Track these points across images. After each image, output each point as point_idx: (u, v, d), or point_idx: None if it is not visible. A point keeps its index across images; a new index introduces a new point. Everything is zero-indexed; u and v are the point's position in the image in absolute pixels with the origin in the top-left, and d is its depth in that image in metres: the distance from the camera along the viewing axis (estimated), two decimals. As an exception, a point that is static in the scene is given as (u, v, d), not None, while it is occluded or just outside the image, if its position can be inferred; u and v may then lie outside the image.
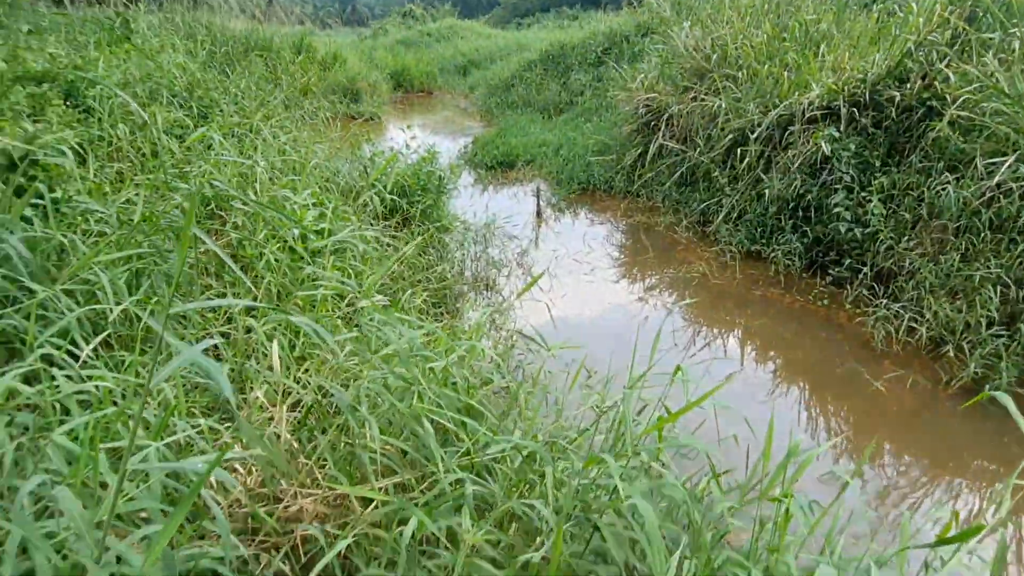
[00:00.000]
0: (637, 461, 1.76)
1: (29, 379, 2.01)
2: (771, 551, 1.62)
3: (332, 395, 1.92)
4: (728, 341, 5.24)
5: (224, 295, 2.82)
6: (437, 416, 1.86)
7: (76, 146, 3.93)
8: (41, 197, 2.89)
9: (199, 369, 2.22)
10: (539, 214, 7.55)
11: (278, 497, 1.95)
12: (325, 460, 1.86)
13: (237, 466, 1.88)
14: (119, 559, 1.28)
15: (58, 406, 1.76)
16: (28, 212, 3.01)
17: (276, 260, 3.15)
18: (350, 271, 3.05)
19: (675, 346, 5.18)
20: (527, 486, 1.92)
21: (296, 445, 1.92)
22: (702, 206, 7.00)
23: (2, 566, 1.24)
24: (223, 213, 3.92)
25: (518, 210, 7.69)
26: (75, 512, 1.07)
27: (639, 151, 8.16)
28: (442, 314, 4.23)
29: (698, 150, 7.21)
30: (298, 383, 2.36)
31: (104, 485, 1.36)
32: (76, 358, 2.12)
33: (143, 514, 1.56)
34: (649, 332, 5.15)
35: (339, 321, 2.79)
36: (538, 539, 1.72)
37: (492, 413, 2.10)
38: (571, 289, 5.70)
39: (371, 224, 4.67)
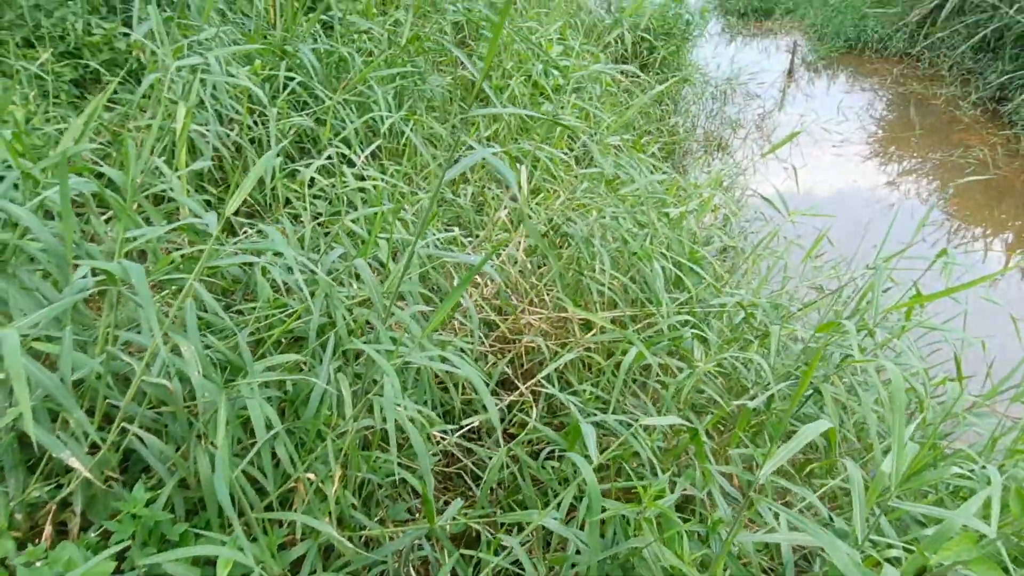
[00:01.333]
0: (872, 342, 1.69)
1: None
2: (1012, 453, 1.51)
3: (567, 225, 2.03)
4: (993, 245, 4.55)
5: (473, 125, 3.00)
6: (667, 260, 1.91)
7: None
8: (328, 10, 3.20)
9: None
10: (791, 73, 6.81)
11: (504, 310, 2.18)
12: (554, 284, 2.02)
13: (476, 277, 2.11)
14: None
15: (344, 198, 2.07)
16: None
17: (519, 93, 3.25)
18: (589, 111, 3.07)
19: (922, 240, 4.62)
20: (742, 345, 1.94)
21: (529, 266, 2.10)
22: (1003, 79, 5.83)
23: (310, 317, 1.56)
24: (471, 42, 4.05)
25: (767, 67, 6.99)
26: (370, 279, 1.31)
27: (933, 4, 6.84)
28: (668, 170, 4.14)
29: (1016, 7, 5.88)
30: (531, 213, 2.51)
31: (383, 264, 1.62)
32: (351, 163, 2.44)
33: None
34: (889, 222, 4.63)
35: (573, 159, 2.87)
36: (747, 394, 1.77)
37: (717, 268, 2.10)
38: (812, 160, 5.21)
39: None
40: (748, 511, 1.07)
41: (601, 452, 1.30)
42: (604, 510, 1.11)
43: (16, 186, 1.78)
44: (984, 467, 1.39)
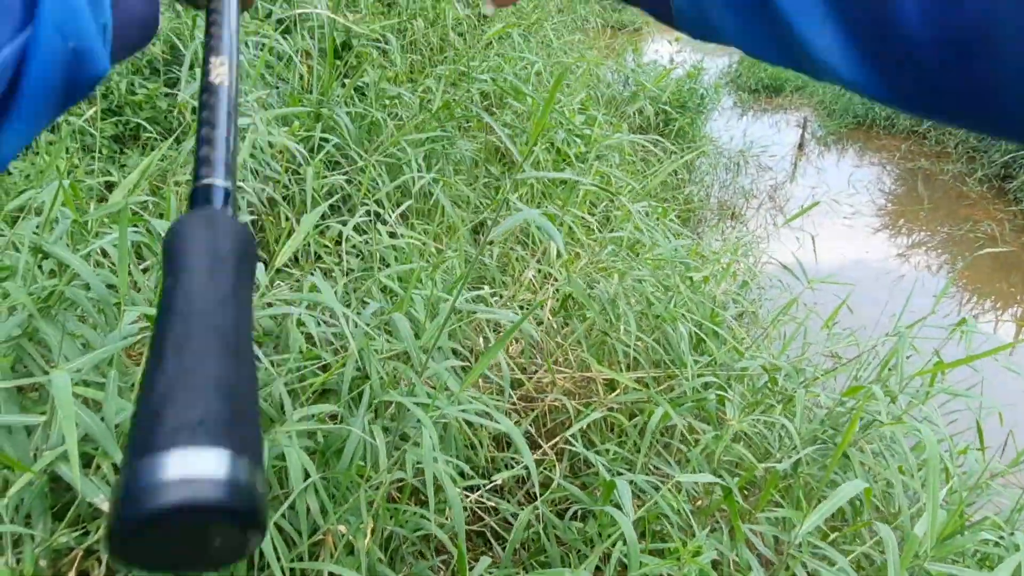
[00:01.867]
0: (896, 407, 1.71)
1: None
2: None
3: (592, 287, 2.09)
4: (1003, 316, 4.58)
5: (497, 188, 3.11)
6: (691, 322, 1.95)
7: (380, 36, 4.44)
8: (362, 77, 3.37)
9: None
10: (801, 146, 6.99)
11: (527, 368, 2.21)
12: (579, 343, 2.06)
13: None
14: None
15: (376, 255, 2.14)
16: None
17: (543, 159, 3.37)
18: (612, 178, 3.18)
19: (934, 313, 4.66)
20: (764, 408, 1.96)
21: (555, 326, 2.14)
22: (1006, 157, 5.98)
23: (345, 367, 1.60)
24: (496, 110, 4.21)
25: (777, 140, 7.19)
26: (408, 334, 1.36)
27: (936, 86, 7.08)
28: (689, 235, 4.24)
29: (1016, 90, 6.09)
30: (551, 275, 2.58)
31: (412, 320, 1.67)
32: (383, 221, 2.52)
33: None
34: (901, 292, 4.68)
35: (594, 223, 2.95)
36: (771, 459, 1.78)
37: (738, 332, 2.14)
38: (824, 231, 5.31)
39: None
40: (784, 573, 1.08)
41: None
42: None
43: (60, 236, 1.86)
44: (1012, 534, 1.40)
